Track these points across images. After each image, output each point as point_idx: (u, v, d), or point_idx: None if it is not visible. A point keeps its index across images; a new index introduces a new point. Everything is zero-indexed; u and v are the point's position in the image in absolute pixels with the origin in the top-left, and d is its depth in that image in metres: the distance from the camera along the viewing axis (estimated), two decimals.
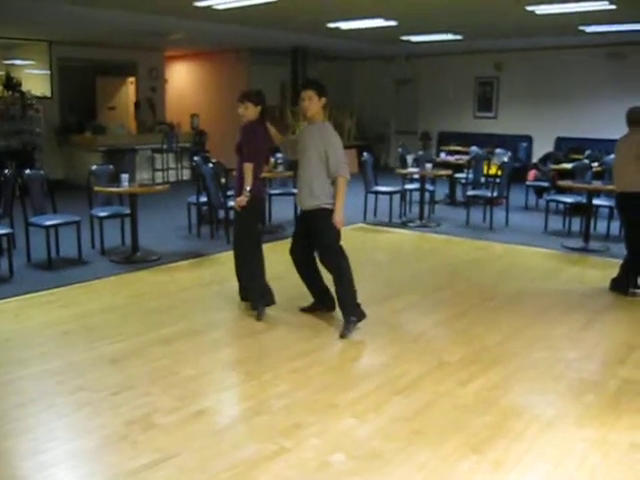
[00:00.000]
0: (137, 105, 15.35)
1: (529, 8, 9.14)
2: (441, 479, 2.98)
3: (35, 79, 13.68)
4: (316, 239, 4.99)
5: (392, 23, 11.01)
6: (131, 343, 4.75)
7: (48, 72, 13.87)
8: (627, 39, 11.69)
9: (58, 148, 13.91)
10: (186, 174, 14.63)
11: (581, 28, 10.74)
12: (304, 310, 5.34)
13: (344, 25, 11.44)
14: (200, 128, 15.02)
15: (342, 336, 4.79)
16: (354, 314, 4.87)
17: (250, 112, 5.13)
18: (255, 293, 5.26)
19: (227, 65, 15.88)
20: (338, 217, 4.85)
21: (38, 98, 13.12)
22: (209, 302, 5.74)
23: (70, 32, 12.34)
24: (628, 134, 5.90)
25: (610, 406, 3.73)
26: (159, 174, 14.08)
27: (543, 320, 5.26)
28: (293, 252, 5.19)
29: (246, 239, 5.29)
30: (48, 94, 13.81)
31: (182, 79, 17.14)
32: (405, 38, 12.94)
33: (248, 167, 5.06)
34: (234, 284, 5.71)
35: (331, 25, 11.48)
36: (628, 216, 5.94)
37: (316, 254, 5.08)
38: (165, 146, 13.87)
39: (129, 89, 15.80)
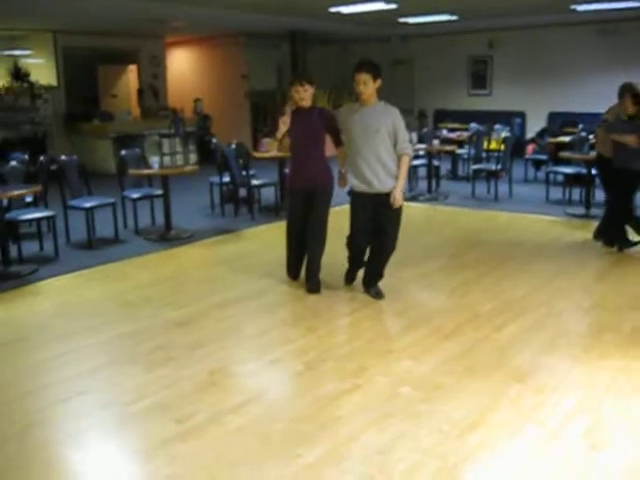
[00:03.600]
0: (140, 92, 15.70)
1: None
2: (495, 401, 3.54)
3: (41, 69, 14.03)
4: (390, 222, 5.06)
5: (392, 6, 11.45)
6: (192, 309, 5.25)
7: (53, 62, 14.21)
8: (618, 16, 12.20)
9: (66, 136, 14.27)
10: (192, 158, 15.00)
11: (572, 7, 11.24)
12: (349, 282, 5.61)
13: (345, 9, 11.85)
14: (204, 112, 15.39)
15: (379, 296, 5.28)
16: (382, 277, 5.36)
17: (309, 94, 5.17)
18: (318, 271, 5.42)
19: (226, 50, 16.26)
20: (399, 194, 4.97)
21: (45, 88, 13.48)
22: (251, 272, 6.22)
23: (74, 21, 12.66)
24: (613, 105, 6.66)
25: (628, 342, 4.32)
26: (167, 158, 14.43)
27: (559, 276, 5.84)
28: (356, 240, 5.26)
29: (326, 220, 5.38)
30: (54, 83, 14.16)
31: (182, 65, 17.50)
32: (402, 20, 13.38)
33: (343, 150, 5.26)
34: (270, 255, 6.25)
35: (332, 9, 11.88)
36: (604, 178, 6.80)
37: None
38: (173, 131, 14.24)
39: (130, 76, 16.14)
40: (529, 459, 3.00)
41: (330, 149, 5.49)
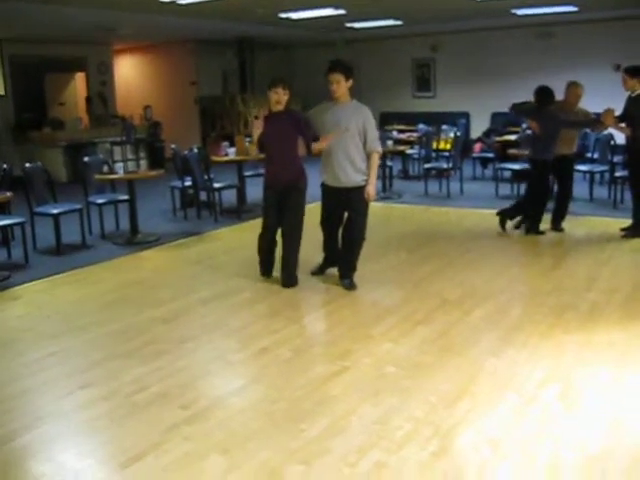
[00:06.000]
0: (89, 100, 15.68)
1: None
2: (474, 375, 3.89)
3: None
4: (356, 212, 5.40)
5: (341, 12, 11.80)
6: (173, 307, 5.45)
7: (0, 70, 14.09)
8: (553, 20, 12.86)
9: (14, 144, 14.15)
10: (143, 164, 15.06)
11: (513, 11, 11.80)
12: (315, 273, 5.96)
13: (295, 15, 12.16)
14: (154, 119, 15.47)
15: (352, 288, 5.59)
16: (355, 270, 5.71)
17: (286, 98, 5.43)
18: (295, 265, 5.69)
19: (175, 56, 16.39)
20: (373, 190, 5.31)
21: None
22: (223, 271, 6.44)
23: (21, 30, 12.61)
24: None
25: (587, 319, 4.74)
26: (119, 165, 14.49)
27: (517, 264, 6.30)
28: (327, 224, 5.66)
29: (302, 217, 5.60)
30: (1, 92, 14.04)
31: (131, 72, 17.53)
32: (349, 25, 13.74)
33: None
34: (238, 255, 6.48)
35: (282, 15, 12.18)
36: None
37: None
38: (124, 138, 14.30)
39: (77, 84, 16.10)
40: (513, 422, 3.34)
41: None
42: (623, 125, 7.05)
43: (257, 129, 5.54)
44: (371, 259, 6.35)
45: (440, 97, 15.77)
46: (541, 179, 7.24)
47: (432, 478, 2.91)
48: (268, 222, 5.72)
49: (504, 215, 7.59)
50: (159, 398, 3.81)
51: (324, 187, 5.56)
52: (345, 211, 5.52)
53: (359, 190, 5.32)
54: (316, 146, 5.35)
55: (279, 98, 5.34)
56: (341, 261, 5.70)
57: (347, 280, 5.61)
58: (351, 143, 5.23)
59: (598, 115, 7.16)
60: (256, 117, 5.64)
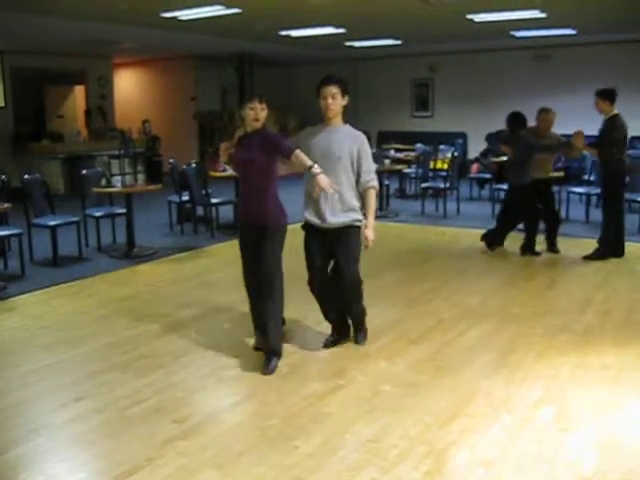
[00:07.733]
0: (88, 113, 15.73)
1: (469, 16, 10.20)
2: (469, 395, 3.90)
3: None
4: (346, 259, 4.48)
5: (341, 30, 11.90)
6: (169, 320, 5.45)
7: (0, 81, 14.12)
8: (552, 42, 12.99)
9: (14, 156, 14.19)
10: (140, 178, 15.10)
11: (512, 33, 11.92)
12: (327, 346, 4.77)
13: (295, 33, 12.25)
14: (152, 133, 15.53)
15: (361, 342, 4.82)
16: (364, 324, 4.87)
17: (265, 114, 4.35)
18: (280, 328, 4.59)
19: (174, 71, 16.48)
20: (372, 234, 4.40)
21: None
22: (219, 286, 6.48)
23: (22, 42, 12.68)
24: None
25: (581, 342, 4.76)
26: (117, 179, 14.50)
27: (512, 285, 6.31)
28: (319, 286, 4.61)
29: (277, 267, 4.43)
30: (1, 103, 14.07)
31: (130, 86, 17.60)
32: (349, 44, 13.84)
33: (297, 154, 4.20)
34: (235, 270, 6.36)
35: (283, 33, 12.27)
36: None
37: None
38: (123, 151, 14.33)
39: (77, 97, 16.16)
40: (507, 442, 3.34)
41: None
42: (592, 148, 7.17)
43: (223, 153, 4.60)
44: (367, 277, 6.21)
45: (438, 117, 15.88)
46: (522, 202, 7.32)
47: None
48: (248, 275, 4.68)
49: (489, 238, 7.75)
50: (153, 412, 3.81)
51: (306, 227, 4.56)
52: (331, 258, 4.58)
53: (349, 231, 4.44)
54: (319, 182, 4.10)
55: (256, 114, 4.31)
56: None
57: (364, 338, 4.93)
58: (342, 174, 4.34)
59: (569, 138, 7.20)
60: (216, 148, 5.05)
